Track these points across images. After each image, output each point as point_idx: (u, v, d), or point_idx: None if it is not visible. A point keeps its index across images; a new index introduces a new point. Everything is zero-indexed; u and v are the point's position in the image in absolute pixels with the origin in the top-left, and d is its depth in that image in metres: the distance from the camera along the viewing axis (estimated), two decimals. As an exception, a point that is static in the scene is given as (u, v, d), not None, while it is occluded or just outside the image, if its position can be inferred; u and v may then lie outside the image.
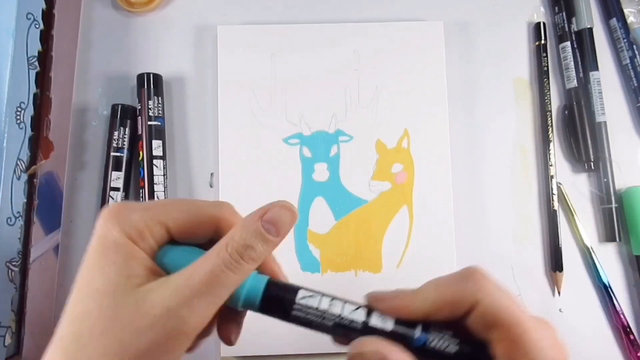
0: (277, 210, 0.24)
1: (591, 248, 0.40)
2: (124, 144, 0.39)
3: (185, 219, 0.24)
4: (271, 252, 0.24)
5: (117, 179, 0.39)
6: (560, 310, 0.39)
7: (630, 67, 0.42)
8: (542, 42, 0.42)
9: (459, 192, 0.40)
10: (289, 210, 0.24)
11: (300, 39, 0.42)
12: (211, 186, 0.41)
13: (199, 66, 0.42)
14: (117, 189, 0.39)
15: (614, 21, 0.43)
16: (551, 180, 0.40)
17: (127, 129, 0.39)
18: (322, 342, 0.38)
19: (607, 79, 0.42)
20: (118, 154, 0.39)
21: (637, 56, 0.42)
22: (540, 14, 0.44)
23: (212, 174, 0.41)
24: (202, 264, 0.22)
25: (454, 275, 0.24)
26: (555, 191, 0.40)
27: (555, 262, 0.40)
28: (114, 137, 0.39)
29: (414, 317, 0.23)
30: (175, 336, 0.21)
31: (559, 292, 0.40)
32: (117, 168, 0.39)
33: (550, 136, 0.41)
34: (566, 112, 0.42)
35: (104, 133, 0.41)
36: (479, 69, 0.43)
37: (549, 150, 0.41)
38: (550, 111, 0.41)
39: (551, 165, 0.40)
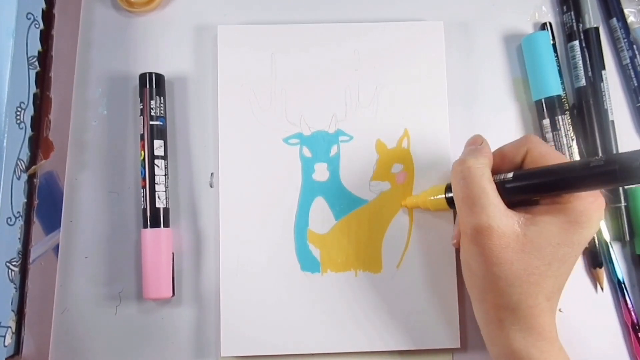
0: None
1: (610, 244, 0.40)
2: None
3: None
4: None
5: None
6: (560, 310, 0.39)
7: (630, 67, 0.42)
8: (552, 42, 0.42)
9: (459, 192, 0.40)
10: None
11: (300, 39, 0.42)
12: (211, 186, 0.41)
13: (198, 66, 0.42)
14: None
15: (614, 21, 0.43)
16: None
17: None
18: (322, 342, 0.38)
19: (608, 79, 0.42)
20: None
21: (637, 56, 0.42)
22: (542, 13, 0.44)
23: (212, 174, 0.41)
24: None
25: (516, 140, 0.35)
26: None
27: (594, 259, 0.40)
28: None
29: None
30: None
31: (602, 288, 0.40)
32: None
33: (571, 134, 0.41)
34: (575, 111, 0.42)
35: (106, 131, 0.41)
36: (479, 69, 0.43)
37: (571, 147, 0.40)
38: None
39: None
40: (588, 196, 0.31)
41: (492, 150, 0.35)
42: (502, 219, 0.31)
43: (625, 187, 0.40)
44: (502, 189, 0.32)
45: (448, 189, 0.37)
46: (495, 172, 0.34)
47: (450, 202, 0.37)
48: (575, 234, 0.31)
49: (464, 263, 0.34)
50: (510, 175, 0.33)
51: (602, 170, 0.29)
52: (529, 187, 0.32)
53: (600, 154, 0.41)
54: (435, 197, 0.37)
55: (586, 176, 0.30)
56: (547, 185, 0.32)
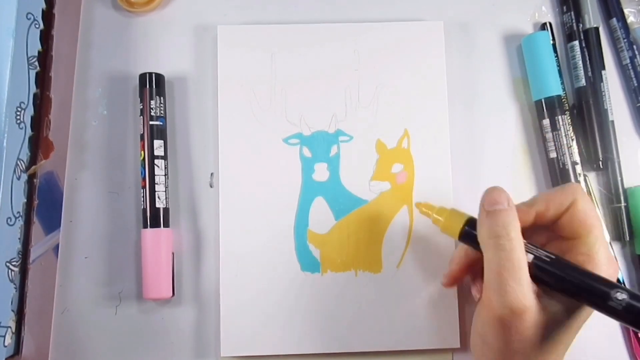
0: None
1: (610, 244, 0.40)
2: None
3: None
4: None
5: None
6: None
7: (630, 67, 0.42)
8: (552, 42, 0.42)
9: (459, 192, 0.40)
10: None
11: (300, 39, 0.42)
12: (211, 186, 0.41)
13: (199, 66, 0.42)
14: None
15: (614, 21, 0.43)
16: (579, 177, 0.40)
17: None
18: (322, 342, 0.38)
19: (608, 79, 0.42)
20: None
21: (637, 56, 0.42)
22: (542, 13, 0.44)
23: (212, 174, 0.41)
24: None
25: (558, 187, 0.33)
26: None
27: None
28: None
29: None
30: None
31: None
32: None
33: (571, 134, 0.41)
34: (575, 111, 0.42)
35: (106, 131, 0.41)
36: (479, 69, 0.43)
37: (571, 147, 0.40)
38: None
39: (577, 164, 0.40)
40: (603, 264, 0.30)
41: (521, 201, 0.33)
42: (533, 297, 0.29)
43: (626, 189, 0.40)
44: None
45: (468, 223, 0.33)
46: (538, 220, 0.32)
47: (464, 238, 0.33)
48: None
49: (478, 334, 0.32)
50: (530, 257, 0.30)
51: (621, 309, 0.27)
52: (546, 280, 0.30)
53: (600, 155, 0.41)
54: (450, 226, 0.34)
55: (604, 306, 0.28)
56: (563, 286, 0.30)
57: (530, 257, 0.30)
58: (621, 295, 0.27)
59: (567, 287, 0.30)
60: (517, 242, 0.29)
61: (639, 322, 0.27)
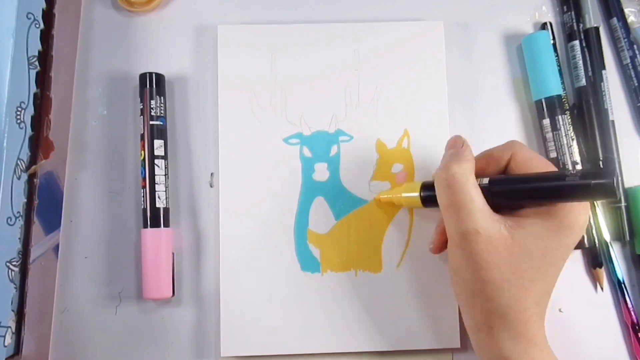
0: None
1: (610, 243, 0.40)
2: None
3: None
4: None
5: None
6: (560, 310, 0.39)
7: (630, 67, 0.42)
8: (552, 41, 0.42)
9: (459, 192, 0.40)
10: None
11: (300, 39, 0.42)
12: (211, 186, 0.41)
13: (198, 66, 0.42)
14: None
15: (614, 21, 0.43)
16: None
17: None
18: (322, 342, 0.38)
19: (608, 79, 0.42)
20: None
21: (638, 56, 0.42)
22: (542, 13, 0.44)
23: (212, 174, 0.41)
24: None
25: (499, 145, 0.35)
26: None
27: (594, 259, 0.40)
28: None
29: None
30: None
31: (602, 288, 0.40)
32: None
33: (571, 134, 0.41)
34: (575, 111, 0.42)
35: (106, 131, 0.41)
36: (479, 69, 0.43)
37: (571, 147, 0.40)
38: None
39: (577, 164, 0.40)
40: None
41: (478, 153, 0.35)
42: (489, 223, 0.31)
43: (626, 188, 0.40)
44: (484, 192, 0.32)
45: (423, 187, 0.37)
46: (479, 174, 0.33)
47: (424, 200, 0.36)
48: (563, 237, 0.31)
49: (452, 269, 0.33)
50: (485, 180, 0.33)
51: (577, 184, 0.29)
52: (504, 193, 0.32)
53: (600, 154, 0.41)
54: (409, 194, 0.37)
55: (561, 188, 0.30)
56: (522, 194, 0.32)
57: (485, 180, 0.33)
58: (574, 172, 0.30)
59: (525, 188, 0.32)
60: (462, 177, 0.32)
61: (598, 186, 0.28)
